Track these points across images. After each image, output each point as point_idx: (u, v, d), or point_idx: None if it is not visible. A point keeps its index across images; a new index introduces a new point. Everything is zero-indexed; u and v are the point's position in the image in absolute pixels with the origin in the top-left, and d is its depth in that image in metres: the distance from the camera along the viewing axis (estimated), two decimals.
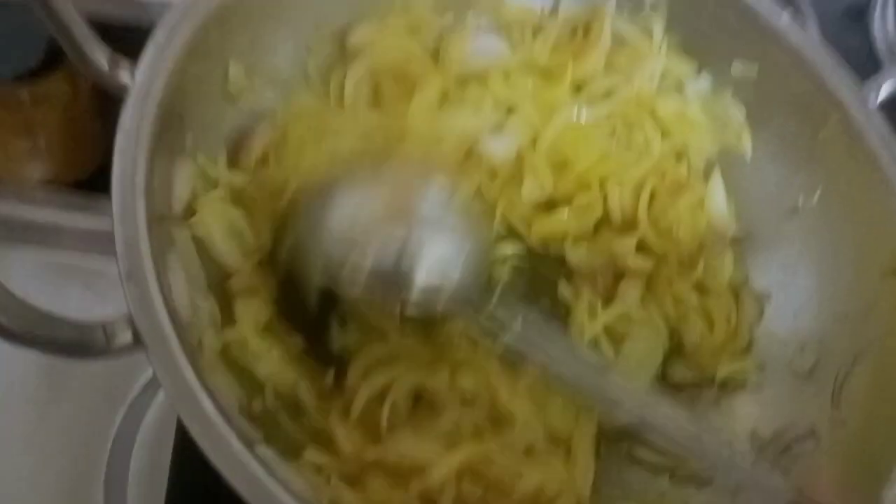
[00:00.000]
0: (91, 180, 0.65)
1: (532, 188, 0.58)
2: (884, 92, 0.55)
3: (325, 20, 0.57)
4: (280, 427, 0.46)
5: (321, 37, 0.57)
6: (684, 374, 0.56)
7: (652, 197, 0.59)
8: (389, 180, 0.50)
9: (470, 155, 0.58)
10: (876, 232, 0.53)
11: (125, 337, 0.38)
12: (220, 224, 0.48)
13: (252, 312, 0.48)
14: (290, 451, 0.44)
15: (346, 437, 0.46)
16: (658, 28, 0.60)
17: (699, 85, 0.61)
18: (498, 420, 0.50)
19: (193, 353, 0.39)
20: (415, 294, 0.47)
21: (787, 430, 0.51)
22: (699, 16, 0.59)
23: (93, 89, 0.65)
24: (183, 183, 0.47)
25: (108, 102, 0.63)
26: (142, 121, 0.43)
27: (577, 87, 0.60)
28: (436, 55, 0.60)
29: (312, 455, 0.45)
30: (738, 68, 0.59)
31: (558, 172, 0.59)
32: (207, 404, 0.37)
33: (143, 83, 0.43)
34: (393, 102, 0.57)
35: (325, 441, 0.47)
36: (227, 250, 0.49)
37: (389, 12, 0.58)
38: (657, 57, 0.60)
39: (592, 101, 0.60)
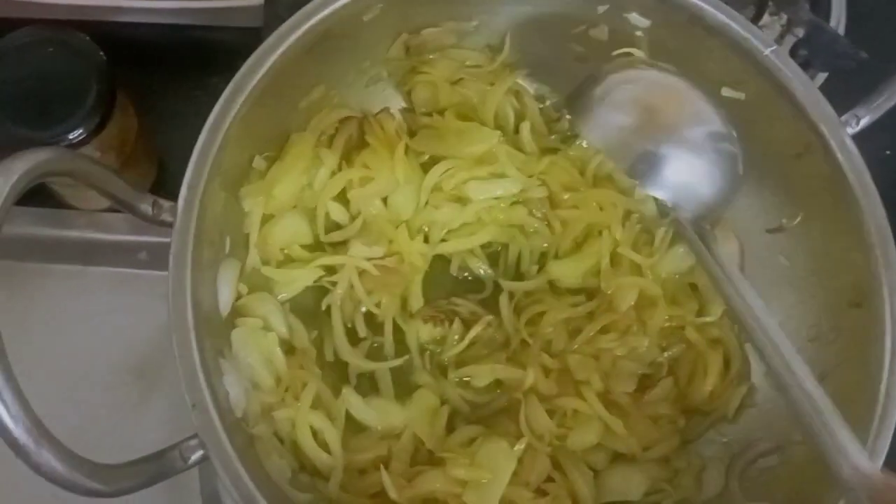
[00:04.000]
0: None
1: None
2: (863, 123, 0.58)
3: None
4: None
5: None
6: None
7: None
8: None
9: None
10: (846, 263, 0.57)
11: (198, 454, 0.48)
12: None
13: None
14: None
15: None
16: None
17: None
18: None
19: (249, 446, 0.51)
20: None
21: (756, 444, 0.59)
22: (687, 43, 0.61)
23: (139, 115, 0.72)
24: (228, 286, 0.56)
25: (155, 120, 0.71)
26: (184, 249, 0.52)
27: None
28: None
29: None
30: (728, 92, 0.62)
31: None
32: None
33: (182, 220, 0.52)
34: None
35: None
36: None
37: None
38: None
39: None
